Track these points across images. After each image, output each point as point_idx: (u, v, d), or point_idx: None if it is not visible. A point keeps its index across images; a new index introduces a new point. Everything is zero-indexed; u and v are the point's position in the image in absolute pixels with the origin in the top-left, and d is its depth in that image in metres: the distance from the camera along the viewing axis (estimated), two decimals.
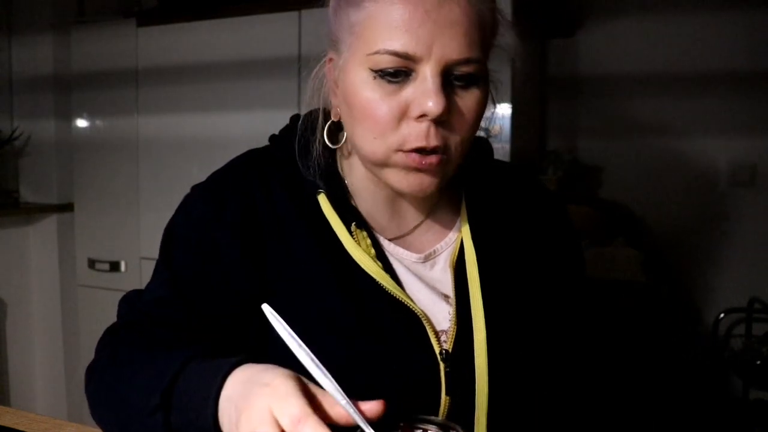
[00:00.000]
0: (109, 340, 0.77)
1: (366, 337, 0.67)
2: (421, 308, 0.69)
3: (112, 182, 2.17)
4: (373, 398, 0.52)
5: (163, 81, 2.05)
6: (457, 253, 0.74)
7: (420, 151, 0.64)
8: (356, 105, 0.66)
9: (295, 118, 0.81)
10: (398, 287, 0.69)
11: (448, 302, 0.72)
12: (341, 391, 0.53)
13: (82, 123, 2.23)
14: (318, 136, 0.73)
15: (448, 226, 0.76)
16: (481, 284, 0.71)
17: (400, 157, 0.65)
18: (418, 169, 0.65)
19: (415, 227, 0.75)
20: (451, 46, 0.62)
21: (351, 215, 0.72)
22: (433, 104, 0.61)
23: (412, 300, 0.69)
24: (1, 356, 2.34)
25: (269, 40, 1.88)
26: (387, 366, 0.67)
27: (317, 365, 0.54)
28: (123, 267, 2.17)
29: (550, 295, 0.76)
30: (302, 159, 0.74)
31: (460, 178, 0.74)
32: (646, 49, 2.06)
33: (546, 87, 2.21)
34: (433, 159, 0.64)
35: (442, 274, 0.74)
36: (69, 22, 2.26)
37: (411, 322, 0.69)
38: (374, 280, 0.69)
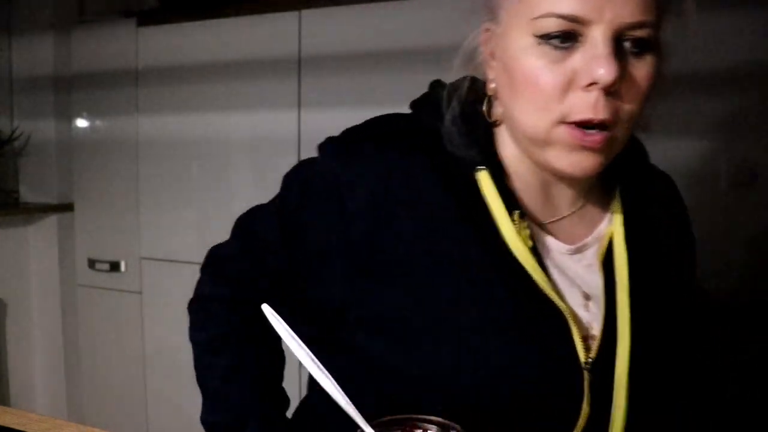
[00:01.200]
0: (218, 305, 0.76)
1: (511, 334, 0.62)
2: (569, 307, 0.63)
3: (112, 182, 2.17)
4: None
5: (163, 81, 2.05)
6: (605, 250, 0.68)
7: (586, 125, 0.58)
8: (518, 74, 0.61)
9: (435, 84, 0.75)
10: (550, 284, 0.63)
11: (588, 302, 0.66)
12: (341, 391, 0.53)
13: (82, 123, 2.23)
14: (469, 109, 0.68)
15: (598, 219, 0.70)
16: (630, 287, 0.66)
17: (562, 132, 0.59)
18: (582, 147, 0.59)
19: (567, 216, 0.69)
20: (625, 8, 0.56)
21: (511, 199, 0.65)
22: (604, 71, 0.56)
23: (562, 300, 0.64)
24: (1, 356, 2.34)
25: (269, 40, 1.88)
26: (531, 368, 0.62)
27: (317, 365, 0.54)
28: (123, 267, 2.17)
29: (683, 307, 0.72)
30: (457, 132, 0.66)
31: (612, 168, 0.66)
32: None
33: None
34: (597, 137, 0.58)
35: (587, 271, 0.67)
36: (69, 21, 2.26)
37: (558, 323, 0.63)
38: (527, 273, 0.63)
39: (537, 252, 0.64)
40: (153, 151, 2.09)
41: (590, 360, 0.63)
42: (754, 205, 2.01)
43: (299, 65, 1.84)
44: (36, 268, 2.42)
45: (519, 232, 0.63)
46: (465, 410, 0.54)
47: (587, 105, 0.58)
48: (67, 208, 2.34)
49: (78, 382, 2.36)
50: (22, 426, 0.81)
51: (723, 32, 2.01)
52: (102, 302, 2.23)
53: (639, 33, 0.58)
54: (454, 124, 0.66)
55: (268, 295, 0.65)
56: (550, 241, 0.67)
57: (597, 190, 0.71)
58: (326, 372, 0.53)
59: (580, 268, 0.68)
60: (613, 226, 0.70)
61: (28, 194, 2.42)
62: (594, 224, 0.70)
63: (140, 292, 2.15)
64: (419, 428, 0.54)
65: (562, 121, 0.59)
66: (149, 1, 2.16)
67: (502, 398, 0.58)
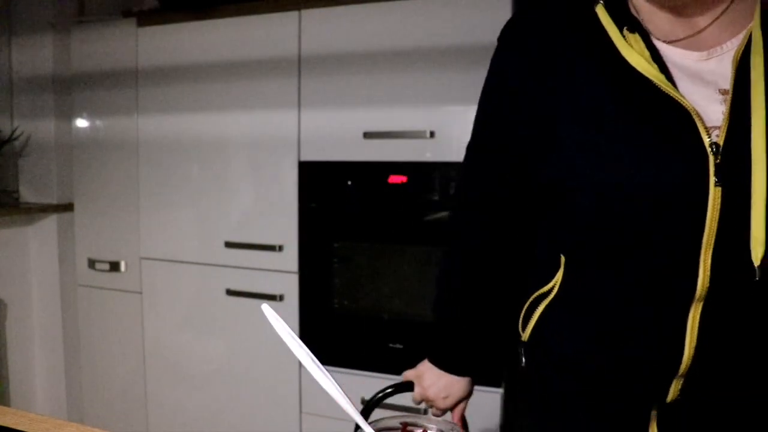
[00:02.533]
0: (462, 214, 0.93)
1: (633, 127, 0.70)
2: (692, 104, 0.68)
3: (112, 182, 2.18)
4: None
5: (163, 81, 2.05)
6: (743, 48, 0.70)
7: None
8: None
9: None
10: (670, 84, 0.69)
11: (726, 97, 0.69)
12: (341, 391, 0.53)
13: (82, 123, 2.23)
14: None
15: (743, 23, 0.72)
16: (766, 74, 0.67)
17: None
18: None
19: (701, 30, 0.73)
20: None
21: (626, 20, 0.73)
22: None
23: (683, 96, 0.69)
24: (1, 356, 2.34)
25: (269, 40, 1.88)
26: (652, 155, 0.68)
27: (318, 366, 0.54)
28: (123, 267, 2.17)
29: None
30: None
31: None
32: None
33: None
34: None
35: (725, 68, 0.71)
36: (69, 21, 2.26)
37: (681, 116, 0.68)
38: (647, 79, 0.69)
39: (662, 62, 0.71)
40: (153, 151, 2.09)
41: (714, 145, 0.67)
42: None
43: (299, 65, 1.84)
44: (36, 268, 2.42)
45: (632, 46, 0.71)
46: (619, 207, 0.70)
47: None
48: (67, 208, 2.34)
49: (78, 381, 2.36)
50: (22, 426, 0.81)
51: None
52: (102, 302, 2.23)
53: None
54: None
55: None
56: (680, 52, 0.72)
57: (741, 6, 0.73)
58: (326, 372, 0.53)
59: (720, 68, 0.71)
60: (752, 24, 0.71)
61: (28, 194, 2.42)
62: (738, 29, 0.72)
63: (140, 292, 2.15)
64: (419, 428, 0.54)
65: None
66: (149, 1, 2.16)
67: (645, 189, 0.68)
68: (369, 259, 1.80)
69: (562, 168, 0.74)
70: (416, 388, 0.95)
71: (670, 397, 0.74)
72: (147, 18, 2.07)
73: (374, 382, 1.69)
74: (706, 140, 0.67)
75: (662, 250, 0.70)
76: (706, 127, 0.67)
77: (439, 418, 0.55)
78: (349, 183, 1.79)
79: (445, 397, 0.93)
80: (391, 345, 1.75)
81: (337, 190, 1.81)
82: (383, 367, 1.74)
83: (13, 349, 2.38)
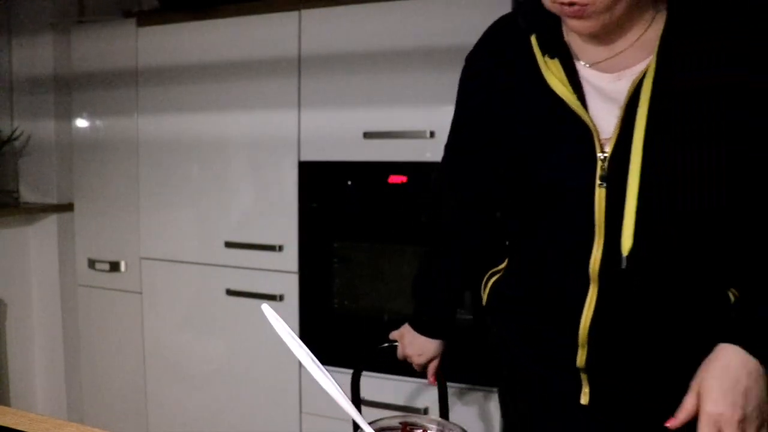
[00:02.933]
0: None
1: (551, 138, 0.84)
2: (593, 119, 0.80)
3: (112, 182, 2.18)
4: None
5: (163, 81, 2.05)
6: (645, 70, 0.78)
7: (567, 3, 0.74)
8: None
9: None
10: (578, 102, 0.81)
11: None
12: (341, 390, 0.53)
13: (82, 123, 2.24)
14: None
15: (651, 53, 0.80)
16: (652, 95, 0.77)
17: (557, 8, 0.76)
18: (570, 16, 0.76)
19: (619, 53, 0.82)
20: None
21: (554, 48, 0.84)
22: None
23: (586, 112, 0.80)
24: (1, 356, 2.34)
25: (269, 40, 1.88)
26: (564, 163, 0.82)
27: (318, 366, 0.54)
28: (123, 267, 2.17)
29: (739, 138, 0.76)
30: (521, 10, 0.90)
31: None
32: None
33: None
34: (574, 10, 0.74)
35: (625, 86, 0.80)
36: (69, 22, 2.26)
37: (584, 130, 0.80)
38: (561, 99, 0.82)
39: (578, 82, 0.82)
40: (153, 151, 2.09)
41: (603, 153, 0.80)
42: None
43: (299, 65, 1.84)
44: (36, 268, 2.42)
45: (552, 70, 0.83)
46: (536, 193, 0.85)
47: None
48: (67, 208, 2.34)
49: (78, 381, 2.36)
50: (23, 426, 0.81)
51: None
52: (102, 302, 2.23)
53: None
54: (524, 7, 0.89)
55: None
56: (596, 74, 0.83)
57: (657, 25, 0.80)
58: (326, 372, 0.54)
59: (621, 86, 0.81)
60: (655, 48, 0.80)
61: (28, 194, 2.42)
62: (649, 53, 0.80)
63: (140, 292, 2.15)
64: (419, 428, 0.54)
65: (554, 1, 0.76)
66: (149, 1, 2.16)
67: (560, 186, 0.83)
68: (369, 259, 1.80)
69: (517, 166, 0.88)
70: (399, 347, 1.16)
71: (578, 362, 0.86)
72: (147, 18, 2.07)
73: (374, 382, 1.69)
74: (598, 151, 0.80)
75: (571, 236, 0.84)
76: (600, 140, 0.80)
77: (440, 418, 0.55)
78: (349, 183, 1.79)
79: (420, 355, 1.14)
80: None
81: (337, 190, 1.81)
82: (383, 367, 1.74)
83: (13, 349, 2.38)
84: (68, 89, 2.26)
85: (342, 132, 1.78)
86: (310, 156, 1.83)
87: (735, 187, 0.76)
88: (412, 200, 1.71)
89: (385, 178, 1.74)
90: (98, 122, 2.21)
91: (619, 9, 0.74)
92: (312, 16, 1.82)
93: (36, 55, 2.34)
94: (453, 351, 1.17)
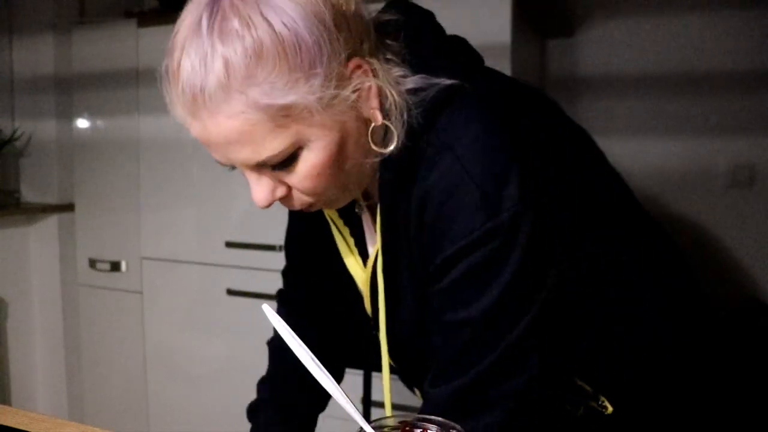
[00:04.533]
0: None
1: (335, 286, 0.92)
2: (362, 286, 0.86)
3: (112, 182, 2.18)
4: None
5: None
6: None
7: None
8: None
9: None
10: (363, 275, 0.85)
11: None
12: (342, 390, 0.53)
13: (83, 123, 2.24)
14: None
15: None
16: (384, 275, 0.79)
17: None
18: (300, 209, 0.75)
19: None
20: (241, 155, 0.64)
21: (350, 222, 0.86)
22: (256, 201, 0.68)
23: (363, 284, 0.86)
24: (2, 356, 2.35)
25: None
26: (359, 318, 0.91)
27: (318, 366, 0.54)
28: (124, 267, 2.18)
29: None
30: None
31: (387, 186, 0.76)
32: (646, 49, 2.06)
33: (545, 87, 2.21)
34: (301, 207, 0.72)
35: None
36: (70, 22, 2.27)
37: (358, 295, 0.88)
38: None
39: (366, 252, 0.85)
40: (153, 151, 2.09)
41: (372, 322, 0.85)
42: (753, 205, 2.01)
43: None
44: (37, 267, 2.43)
45: (345, 239, 0.86)
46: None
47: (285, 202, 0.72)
48: (68, 208, 2.34)
49: (79, 381, 2.36)
50: (23, 425, 0.81)
51: (723, 32, 2.02)
52: (103, 302, 2.23)
53: (274, 160, 0.65)
54: None
55: None
56: (369, 217, 0.84)
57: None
58: (326, 372, 0.54)
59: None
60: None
61: (29, 194, 2.43)
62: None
63: (141, 292, 2.15)
64: (419, 428, 0.54)
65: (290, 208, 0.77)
66: (149, 2, 2.16)
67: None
68: None
69: None
70: None
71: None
72: (147, 18, 2.07)
73: (374, 382, 1.69)
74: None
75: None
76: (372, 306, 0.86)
77: (440, 418, 0.55)
78: None
79: None
80: None
81: None
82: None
83: (14, 349, 2.38)
84: (69, 89, 2.26)
85: None
86: None
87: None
88: None
89: None
90: (99, 122, 2.21)
91: (350, 183, 0.73)
92: None
93: (37, 55, 2.34)
94: None
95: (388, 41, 0.72)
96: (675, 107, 2.05)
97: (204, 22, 0.63)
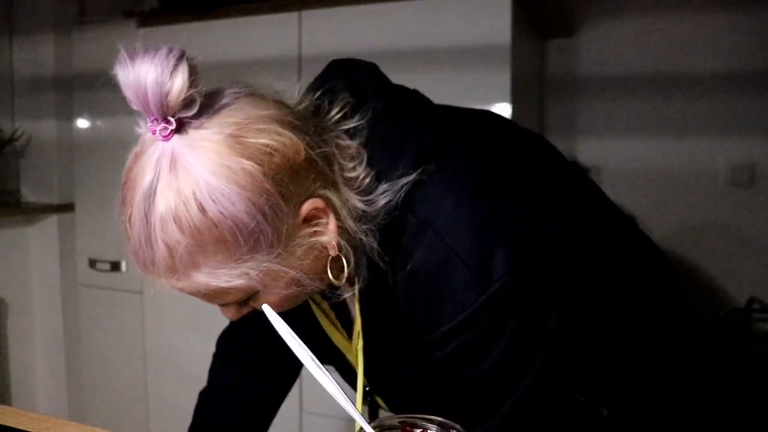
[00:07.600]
0: None
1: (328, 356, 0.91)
2: (352, 362, 0.87)
3: (112, 182, 2.16)
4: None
5: None
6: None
7: None
8: None
9: None
10: (348, 345, 0.85)
11: None
12: (342, 390, 0.53)
13: (83, 123, 2.24)
14: None
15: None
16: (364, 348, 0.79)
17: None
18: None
19: None
20: (200, 299, 0.71)
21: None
22: (226, 317, 0.78)
23: (348, 354, 0.87)
24: (2, 356, 2.35)
25: (269, 40, 1.88)
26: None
27: (318, 365, 0.54)
28: (124, 267, 2.18)
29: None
30: None
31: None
32: (646, 49, 2.06)
33: (545, 87, 2.21)
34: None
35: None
36: (70, 22, 2.26)
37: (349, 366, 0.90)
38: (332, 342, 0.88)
39: (350, 327, 0.84)
40: None
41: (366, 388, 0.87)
42: (753, 205, 2.02)
43: (299, 65, 1.84)
44: (37, 267, 2.43)
45: (328, 317, 0.86)
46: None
47: None
48: (68, 208, 2.34)
49: (79, 381, 2.37)
50: (24, 425, 0.81)
51: (723, 32, 2.02)
52: (103, 302, 2.23)
53: (230, 299, 0.70)
54: None
55: None
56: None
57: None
58: (326, 372, 0.54)
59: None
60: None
61: (29, 194, 2.43)
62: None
63: (141, 292, 2.15)
64: (419, 428, 0.55)
65: None
66: (149, 2, 2.16)
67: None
68: None
69: None
70: None
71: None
72: (147, 19, 2.07)
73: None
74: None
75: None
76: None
77: (440, 418, 0.55)
78: None
79: None
80: None
81: None
82: None
83: (14, 349, 2.38)
84: (69, 89, 2.26)
85: None
86: None
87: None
88: None
89: None
90: (99, 122, 2.21)
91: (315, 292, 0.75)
92: (312, 17, 1.82)
93: (37, 55, 2.34)
94: None
95: (342, 142, 0.73)
96: (675, 107, 2.05)
97: (143, 206, 0.65)
